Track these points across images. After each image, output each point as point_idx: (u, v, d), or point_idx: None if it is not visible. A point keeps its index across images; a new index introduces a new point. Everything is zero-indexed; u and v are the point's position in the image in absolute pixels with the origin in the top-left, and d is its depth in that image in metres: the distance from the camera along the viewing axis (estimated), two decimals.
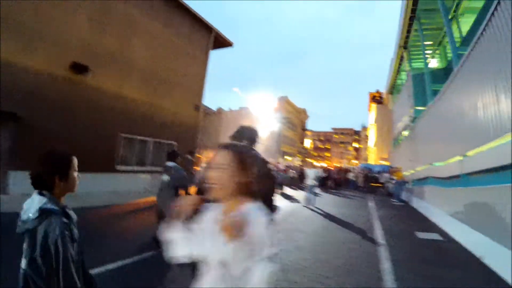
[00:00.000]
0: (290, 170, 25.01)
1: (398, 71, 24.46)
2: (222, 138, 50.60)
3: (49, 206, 1.53)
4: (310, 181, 13.74)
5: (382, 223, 9.66)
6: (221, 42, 19.03)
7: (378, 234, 7.96)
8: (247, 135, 3.83)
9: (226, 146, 1.63)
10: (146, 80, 14.09)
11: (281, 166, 24.23)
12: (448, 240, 7.62)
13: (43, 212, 1.49)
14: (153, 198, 8.35)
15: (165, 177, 5.93)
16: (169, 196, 5.67)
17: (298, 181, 23.15)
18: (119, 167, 13.03)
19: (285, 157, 52.35)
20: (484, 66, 6.67)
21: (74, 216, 1.69)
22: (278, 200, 14.50)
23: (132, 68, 13.40)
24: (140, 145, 13.99)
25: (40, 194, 1.61)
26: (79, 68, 11.03)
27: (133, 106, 13.44)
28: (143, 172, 14.09)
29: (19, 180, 9.10)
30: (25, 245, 1.48)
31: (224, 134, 53.43)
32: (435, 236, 7.99)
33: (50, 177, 1.64)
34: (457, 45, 12.53)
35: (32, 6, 9.77)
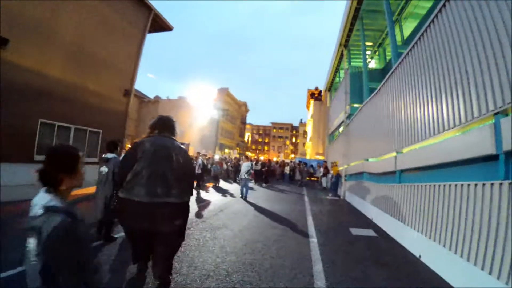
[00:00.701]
0: (225, 163, 24.41)
1: (337, 69, 24.71)
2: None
3: (54, 203, 1.53)
4: (243, 174, 13.51)
5: (317, 218, 9.35)
6: (160, 25, 18.18)
7: (312, 231, 7.56)
8: (169, 126, 4.10)
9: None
10: (72, 57, 12.90)
11: (217, 159, 23.47)
12: (383, 236, 7.42)
13: (48, 210, 1.48)
14: (78, 192, 8.04)
15: (104, 169, 5.68)
16: (109, 190, 5.58)
17: (233, 174, 22.70)
18: (37, 157, 11.64)
19: (225, 150, 51.70)
20: (423, 65, 6.56)
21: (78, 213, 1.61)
22: (211, 193, 14.04)
23: (57, 42, 12.31)
24: (61, 132, 12.72)
25: (47, 191, 1.60)
26: None
27: (55, 86, 12.33)
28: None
29: None
30: (31, 240, 1.44)
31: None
32: (369, 232, 7.75)
33: (56, 174, 1.63)
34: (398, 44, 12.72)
35: None
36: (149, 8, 16.79)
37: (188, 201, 3.98)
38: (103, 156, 5.89)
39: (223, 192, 15.07)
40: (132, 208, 3.64)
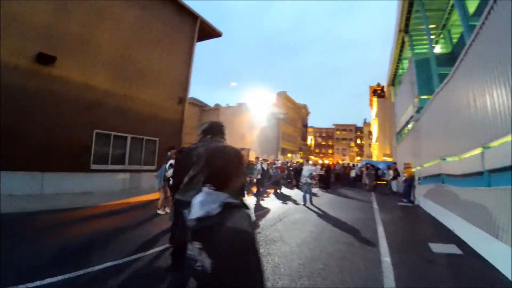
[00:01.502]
0: (287, 168, 23.53)
1: (399, 59, 22.84)
2: None
3: (231, 200, 1.69)
4: (304, 179, 12.68)
5: (388, 230, 8.06)
6: (208, 32, 17.94)
7: (383, 246, 6.40)
8: (220, 131, 4.13)
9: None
10: (120, 70, 13.14)
11: (278, 164, 22.69)
12: (470, 255, 6.05)
13: (227, 206, 1.62)
14: (132, 199, 8.81)
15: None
16: None
17: (296, 180, 21.64)
18: (94, 166, 12.04)
19: (287, 154, 50.83)
20: (505, 37, 5.20)
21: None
22: (271, 200, 13.31)
23: (103, 56, 12.52)
24: (117, 141, 12.98)
25: (217, 190, 1.73)
26: (45, 59, 10.36)
27: (107, 98, 12.72)
28: (121, 171, 13.03)
29: None
30: (199, 242, 1.50)
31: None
32: (453, 249, 6.36)
33: (228, 175, 1.81)
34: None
35: None
36: (195, 16, 16.66)
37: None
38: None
39: (284, 198, 14.18)
40: (187, 209, 3.35)
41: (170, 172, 8.21)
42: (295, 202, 13.01)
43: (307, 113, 72.03)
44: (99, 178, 12.22)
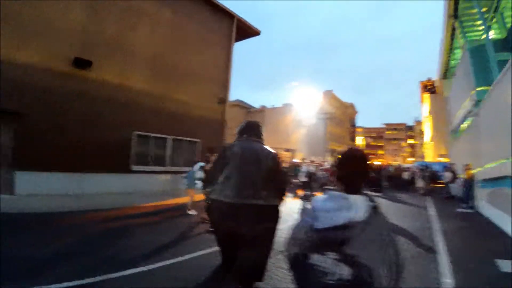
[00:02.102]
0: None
1: (450, 49, 20.87)
2: (267, 136, 49.12)
3: (374, 204, 1.50)
4: None
5: (448, 242, 6.88)
6: (246, 31, 17.61)
7: (444, 263, 5.40)
8: (256, 130, 4.10)
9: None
10: (158, 71, 13.29)
11: (327, 165, 21.65)
12: None
13: (374, 211, 1.46)
14: (172, 201, 8.80)
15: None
16: None
17: None
18: (134, 167, 12.20)
19: (335, 155, 49.28)
20: None
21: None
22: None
23: (139, 58, 12.62)
24: (157, 143, 13.02)
25: (357, 193, 1.55)
26: (82, 63, 10.64)
27: (145, 99, 12.73)
28: (162, 172, 13.03)
29: (24, 180, 9.40)
30: (335, 252, 1.40)
31: (267, 132, 51.70)
32: None
33: (364, 176, 1.65)
34: None
35: (28, 3, 9.55)
36: (231, 15, 16.32)
37: (277, 205, 3.96)
38: None
39: None
40: (221, 208, 3.78)
41: (199, 174, 8.36)
42: None
43: (355, 113, 69.59)
44: (140, 179, 12.31)
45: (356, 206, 1.44)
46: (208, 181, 4.13)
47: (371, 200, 1.48)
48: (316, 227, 1.48)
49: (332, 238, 1.42)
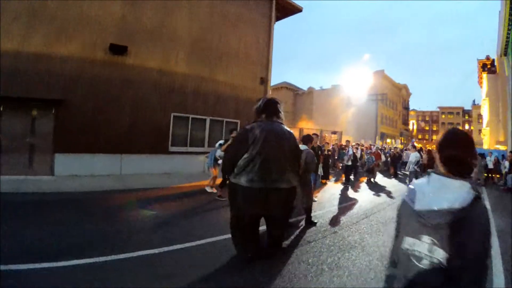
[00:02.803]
0: (384, 154, 21.04)
1: (510, 21, 18.12)
2: (315, 119, 48.47)
3: (476, 193, 1.38)
4: (410, 166, 11.56)
5: (504, 242, 5.80)
6: (288, 8, 16.70)
7: (498, 269, 4.45)
8: (275, 110, 4.22)
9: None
10: (196, 53, 13.10)
11: (374, 149, 20.24)
12: None
13: (476, 198, 1.35)
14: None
15: None
16: (304, 181, 5.74)
17: (394, 168, 19.09)
18: (172, 148, 12.31)
19: (386, 139, 46.88)
20: None
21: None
22: (361, 191, 11.67)
23: (178, 41, 12.56)
24: (195, 124, 12.96)
25: (460, 178, 1.44)
26: (117, 50, 10.90)
27: (184, 81, 12.69)
28: (201, 153, 12.60)
29: (63, 162, 9.89)
30: (431, 237, 1.36)
31: (316, 114, 50.84)
32: None
33: (469, 159, 1.50)
34: None
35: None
36: None
37: (296, 185, 4.26)
38: None
39: (378, 189, 12.25)
40: (246, 194, 3.88)
41: (219, 152, 8.45)
42: (389, 194, 11.10)
43: (408, 95, 65.44)
44: (178, 160, 12.32)
45: (457, 192, 1.36)
46: (228, 164, 4.20)
47: (474, 188, 1.36)
48: (415, 209, 1.43)
49: (429, 222, 1.37)
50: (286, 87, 56.91)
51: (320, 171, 9.27)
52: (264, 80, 15.22)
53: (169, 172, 11.78)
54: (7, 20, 9.24)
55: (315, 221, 6.33)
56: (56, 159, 9.82)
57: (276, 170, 3.94)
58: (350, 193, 10.71)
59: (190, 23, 12.86)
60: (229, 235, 4.41)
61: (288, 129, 4.25)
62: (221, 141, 8.88)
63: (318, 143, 9.15)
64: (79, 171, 10.05)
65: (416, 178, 11.03)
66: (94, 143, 10.40)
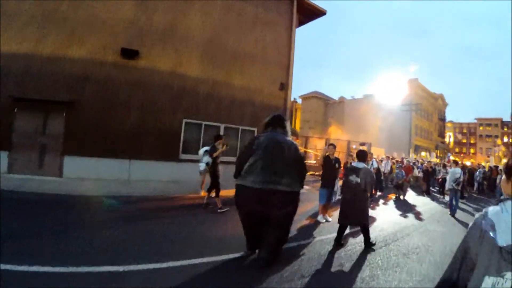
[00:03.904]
0: (416, 169, 19.44)
1: None
2: (346, 129, 46.92)
3: None
4: (449, 184, 10.76)
5: None
6: (310, 10, 15.82)
7: None
8: (281, 123, 4.87)
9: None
10: (211, 56, 12.64)
11: (406, 162, 18.62)
12: None
13: None
14: (222, 192, 8.15)
15: (354, 179, 5.75)
16: (362, 200, 5.76)
17: (426, 184, 17.31)
18: (183, 156, 11.87)
19: (421, 152, 44.42)
20: None
21: None
22: (386, 209, 10.49)
23: (191, 44, 12.21)
24: (208, 131, 12.33)
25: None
26: (129, 54, 10.82)
27: (197, 86, 12.26)
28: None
29: (72, 164, 10.04)
30: None
31: (347, 124, 49.23)
32: None
33: None
34: None
35: (79, 5, 10.36)
36: None
37: (297, 191, 4.71)
38: (351, 166, 6.12)
39: (406, 209, 10.96)
40: (247, 193, 4.47)
41: (205, 158, 8.62)
42: (418, 216, 9.82)
43: (445, 105, 62.09)
44: (188, 168, 11.58)
45: None
46: (237, 168, 4.71)
47: None
48: (499, 245, 1.17)
49: None
50: (317, 96, 55.82)
51: (337, 186, 8.18)
52: (284, 86, 14.25)
53: (179, 180, 11.18)
54: (20, 23, 9.68)
55: (374, 242, 5.94)
56: (65, 161, 9.99)
57: (274, 173, 4.42)
58: (372, 212, 9.50)
59: (203, 24, 12.42)
60: (223, 257, 4.65)
61: (291, 140, 4.83)
62: (206, 148, 8.79)
63: (334, 155, 8.08)
64: (87, 174, 10.01)
65: (456, 197, 10.45)
66: (103, 146, 10.32)
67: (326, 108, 55.46)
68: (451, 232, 7.79)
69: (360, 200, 5.69)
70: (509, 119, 73.34)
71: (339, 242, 5.75)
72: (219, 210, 7.74)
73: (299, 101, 60.03)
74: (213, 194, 8.18)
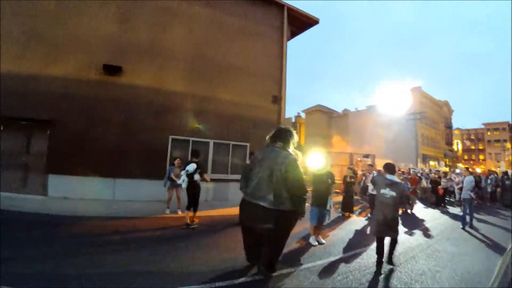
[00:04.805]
0: (425, 179, 18.39)
1: None
2: (351, 141, 46.02)
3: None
4: (465, 193, 9.94)
5: None
6: (302, 20, 15.34)
7: None
8: (281, 136, 4.76)
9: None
10: (196, 71, 12.26)
11: (414, 173, 17.56)
12: None
13: None
14: (214, 212, 8.34)
15: (389, 192, 5.42)
16: (395, 213, 5.56)
17: (435, 196, 16.23)
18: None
19: (428, 161, 43.14)
20: None
21: None
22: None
23: (175, 58, 11.88)
24: (197, 147, 11.24)
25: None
26: (111, 70, 10.62)
27: (182, 101, 11.88)
28: (201, 180, 11.33)
29: (56, 183, 9.87)
30: None
31: (352, 137, 48.31)
32: None
33: None
34: None
35: (52, 16, 10.26)
36: (280, 5, 14.27)
37: (286, 210, 4.40)
38: (386, 180, 5.64)
39: (413, 224, 9.96)
40: (243, 206, 4.69)
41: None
42: (426, 233, 8.88)
43: (450, 112, 60.67)
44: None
45: None
46: (240, 186, 4.92)
47: None
48: None
49: None
50: (320, 110, 55.04)
51: (329, 205, 7.26)
52: (277, 98, 13.62)
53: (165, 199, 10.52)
54: (2, 42, 9.59)
55: (394, 261, 5.59)
56: (50, 180, 9.87)
57: (262, 189, 4.45)
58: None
59: (189, 38, 12.15)
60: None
61: (287, 154, 4.62)
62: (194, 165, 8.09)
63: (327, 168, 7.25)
64: (71, 193, 9.86)
65: (471, 208, 9.78)
66: (87, 165, 10.09)
67: (330, 121, 54.63)
68: (462, 252, 6.84)
69: (394, 213, 5.55)
70: None
71: (381, 255, 5.51)
72: (191, 226, 7.73)
73: (303, 115, 59.42)
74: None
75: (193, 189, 7.87)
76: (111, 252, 5.40)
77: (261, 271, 4.59)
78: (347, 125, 50.89)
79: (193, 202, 7.84)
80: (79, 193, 9.91)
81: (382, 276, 5.02)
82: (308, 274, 4.90)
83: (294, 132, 4.92)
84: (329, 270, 5.17)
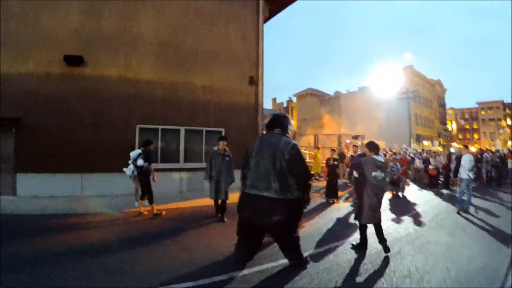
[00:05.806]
0: (418, 160, 17.64)
1: None
2: (343, 123, 45.36)
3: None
4: (464, 173, 9.11)
5: None
6: None
7: None
8: (279, 123, 4.54)
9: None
10: (166, 57, 11.61)
11: (403, 154, 16.56)
12: None
13: None
14: (188, 203, 8.32)
15: (379, 174, 5.17)
16: (381, 197, 5.38)
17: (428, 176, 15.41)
18: None
19: (422, 142, 42.33)
20: None
21: None
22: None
23: (143, 46, 11.30)
24: (166, 136, 11.48)
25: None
26: (72, 60, 10.19)
27: (152, 90, 11.29)
28: (175, 170, 11.45)
29: (25, 182, 9.61)
30: None
31: (344, 119, 47.58)
32: None
33: None
34: None
35: (16, 12, 9.87)
36: None
37: (293, 198, 4.14)
38: (379, 162, 5.32)
39: (403, 210, 9.17)
40: (243, 198, 4.40)
41: (140, 162, 7.79)
42: (417, 219, 8.04)
43: (443, 90, 59.88)
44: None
45: None
46: (241, 177, 4.63)
47: None
48: None
49: None
50: (311, 93, 54.21)
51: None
52: (254, 80, 12.79)
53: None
54: None
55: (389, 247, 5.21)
56: (18, 179, 9.63)
57: (264, 179, 4.16)
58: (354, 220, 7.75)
59: (157, 24, 11.47)
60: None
61: (288, 139, 4.39)
62: (139, 151, 8.10)
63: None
64: (40, 191, 9.62)
65: (469, 189, 9.07)
66: (54, 162, 9.81)
67: (321, 104, 53.81)
68: (457, 243, 5.96)
69: (381, 197, 5.36)
70: (510, 101, 71.25)
71: (365, 243, 5.41)
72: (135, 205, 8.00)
73: (294, 100, 58.63)
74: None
75: (142, 177, 7.74)
76: (78, 251, 5.05)
77: (297, 270, 4.27)
78: (339, 107, 50.22)
79: (146, 192, 7.71)
80: (49, 191, 9.67)
81: (360, 277, 4.15)
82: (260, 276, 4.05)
83: (290, 117, 4.78)
84: (291, 272, 4.29)
